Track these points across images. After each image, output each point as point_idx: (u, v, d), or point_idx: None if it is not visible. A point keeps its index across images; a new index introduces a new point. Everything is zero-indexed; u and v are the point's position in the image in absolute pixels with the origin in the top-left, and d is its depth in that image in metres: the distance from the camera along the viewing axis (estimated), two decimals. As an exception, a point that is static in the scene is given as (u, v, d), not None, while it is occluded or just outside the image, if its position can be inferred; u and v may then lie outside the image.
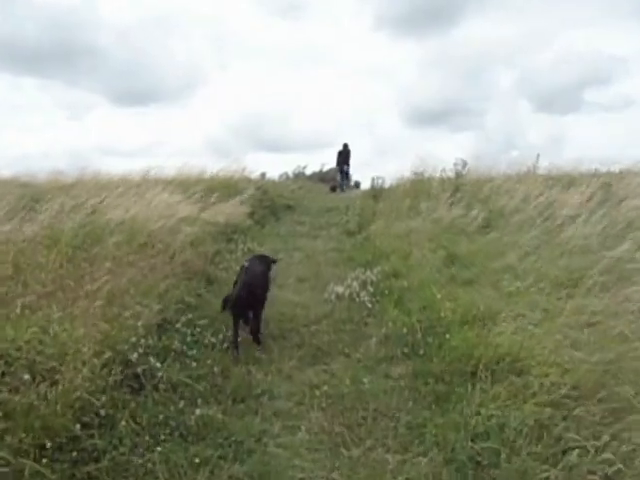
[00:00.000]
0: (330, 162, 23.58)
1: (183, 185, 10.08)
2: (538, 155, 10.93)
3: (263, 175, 15.55)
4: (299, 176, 21.66)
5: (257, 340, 4.45)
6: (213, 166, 12.46)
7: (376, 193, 11.92)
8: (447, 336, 4.12)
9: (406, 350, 4.26)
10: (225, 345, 4.30)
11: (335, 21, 63.33)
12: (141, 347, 3.68)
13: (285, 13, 68.49)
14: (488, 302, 4.50)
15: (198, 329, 4.49)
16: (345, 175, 17.48)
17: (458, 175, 9.81)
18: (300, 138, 45.46)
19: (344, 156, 17.15)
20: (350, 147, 17.32)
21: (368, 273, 6.26)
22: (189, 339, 4.26)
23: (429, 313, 4.63)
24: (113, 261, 4.78)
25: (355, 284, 5.92)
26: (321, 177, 22.35)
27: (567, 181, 9.79)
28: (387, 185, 12.86)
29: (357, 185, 19.51)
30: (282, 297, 5.90)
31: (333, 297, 5.70)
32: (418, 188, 9.95)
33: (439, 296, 4.74)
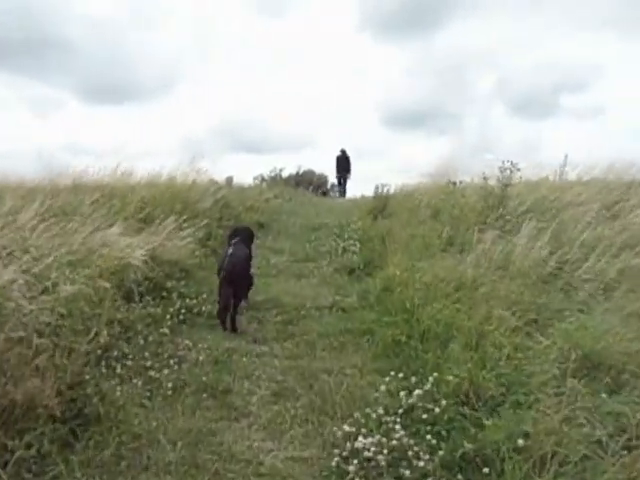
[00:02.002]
0: (306, 164, 21.51)
1: (106, 197, 6.80)
2: (566, 156, 8.27)
3: (229, 180, 12.05)
4: (275, 179, 18.60)
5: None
6: (167, 168, 8.83)
7: (379, 207, 8.75)
8: None
9: None
10: None
11: (319, 20, 60.28)
12: None
13: (269, 11, 64.61)
14: None
15: None
16: (342, 182, 16.62)
17: (505, 184, 6.75)
18: (278, 138, 41.99)
19: (343, 163, 16.16)
20: (348, 153, 16.37)
21: (414, 386, 3.13)
22: None
23: None
24: None
25: (396, 422, 2.77)
26: (297, 180, 19.82)
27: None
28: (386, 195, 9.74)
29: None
30: (239, 452, 2.71)
31: (354, 466, 2.52)
32: (449, 204, 6.88)
33: None
